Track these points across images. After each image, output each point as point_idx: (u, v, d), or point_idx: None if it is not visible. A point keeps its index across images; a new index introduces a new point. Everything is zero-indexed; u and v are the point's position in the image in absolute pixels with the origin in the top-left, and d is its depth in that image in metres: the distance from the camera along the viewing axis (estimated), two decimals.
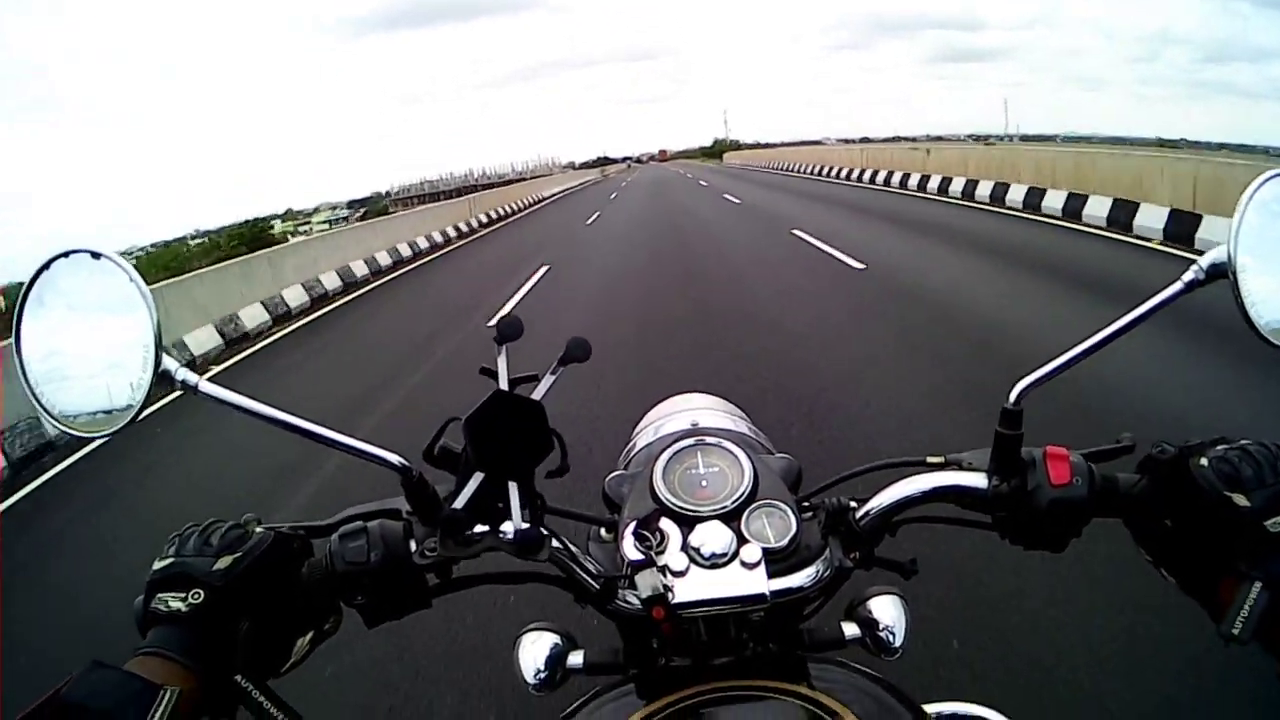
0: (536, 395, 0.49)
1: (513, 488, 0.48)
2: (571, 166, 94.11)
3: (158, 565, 0.48)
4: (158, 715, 0.41)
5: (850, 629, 0.57)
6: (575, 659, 0.59)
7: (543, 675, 0.59)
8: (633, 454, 0.76)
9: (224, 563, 0.48)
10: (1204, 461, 0.50)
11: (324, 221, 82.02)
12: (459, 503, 0.48)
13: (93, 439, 0.49)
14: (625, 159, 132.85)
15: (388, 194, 78.88)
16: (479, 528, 0.49)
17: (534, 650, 0.59)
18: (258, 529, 0.51)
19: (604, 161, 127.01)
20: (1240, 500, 0.47)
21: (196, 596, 0.47)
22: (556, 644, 0.59)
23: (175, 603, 0.47)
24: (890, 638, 0.56)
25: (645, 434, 0.79)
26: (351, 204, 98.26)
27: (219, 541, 0.49)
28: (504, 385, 0.48)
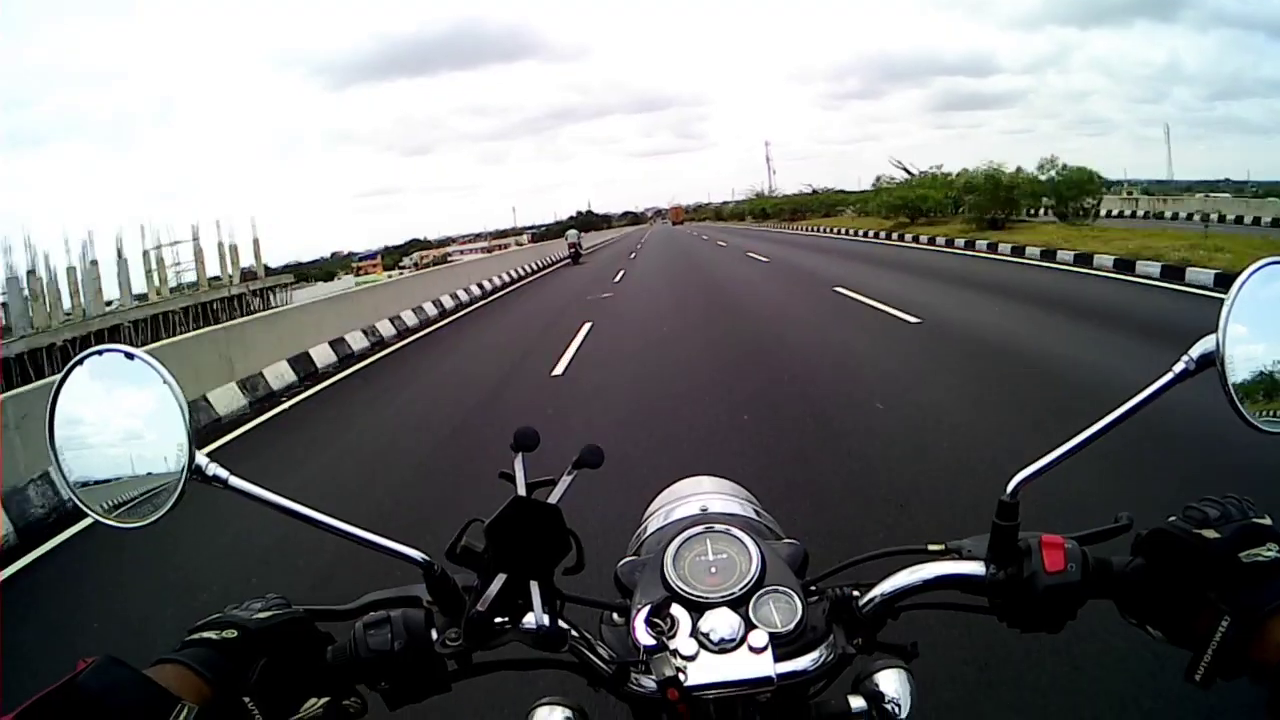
0: (553, 498, 0.53)
1: (534, 586, 0.52)
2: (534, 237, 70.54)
3: (205, 619, 0.52)
4: None
5: (857, 702, 0.58)
6: None
7: None
8: (644, 539, 0.78)
9: (261, 616, 0.53)
10: (1172, 517, 0.53)
11: None
12: (483, 604, 0.51)
13: (133, 530, 0.54)
14: (591, 218, 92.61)
15: None
16: (500, 619, 0.53)
17: None
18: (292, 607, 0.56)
19: (585, 221, 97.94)
20: (1210, 534, 0.50)
21: (230, 634, 0.50)
22: (569, 718, 0.60)
23: (209, 634, 0.50)
24: (895, 710, 0.57)
25: (655, 519, 0.81)
26: None
27: (262, 605, 0.54)
28: (522, 491, 0.52)
